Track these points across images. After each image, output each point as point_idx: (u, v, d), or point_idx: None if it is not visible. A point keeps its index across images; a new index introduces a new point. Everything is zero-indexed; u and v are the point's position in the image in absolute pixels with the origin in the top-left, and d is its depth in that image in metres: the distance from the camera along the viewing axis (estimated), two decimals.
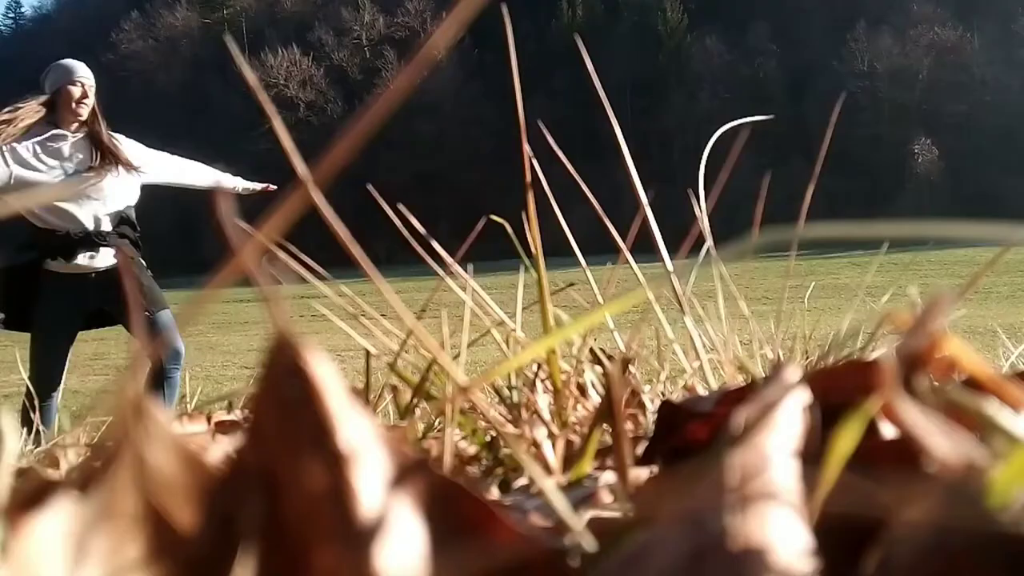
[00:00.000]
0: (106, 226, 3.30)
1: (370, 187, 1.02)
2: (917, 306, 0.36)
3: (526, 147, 0.67)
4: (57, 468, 0.65)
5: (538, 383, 0.63)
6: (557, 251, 0.96)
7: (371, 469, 0.26)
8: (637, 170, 0.81)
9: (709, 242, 0.93)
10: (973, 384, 0.34)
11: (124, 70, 59.76)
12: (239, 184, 3.87)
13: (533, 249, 0.68)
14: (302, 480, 0.26)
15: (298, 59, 58.24)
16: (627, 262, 0.84)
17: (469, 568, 0.26)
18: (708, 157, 0.97)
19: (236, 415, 0.76)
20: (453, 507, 0.27)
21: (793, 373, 0.34)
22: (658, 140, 53.33)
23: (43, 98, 3.28)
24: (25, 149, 3.21)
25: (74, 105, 3.28)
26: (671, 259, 0.79)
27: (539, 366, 0.65)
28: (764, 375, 0.50)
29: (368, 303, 0.78)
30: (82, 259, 3.26)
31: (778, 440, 0.28)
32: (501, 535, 0.27)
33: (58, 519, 0.24)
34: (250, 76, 0.36)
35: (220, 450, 0.42)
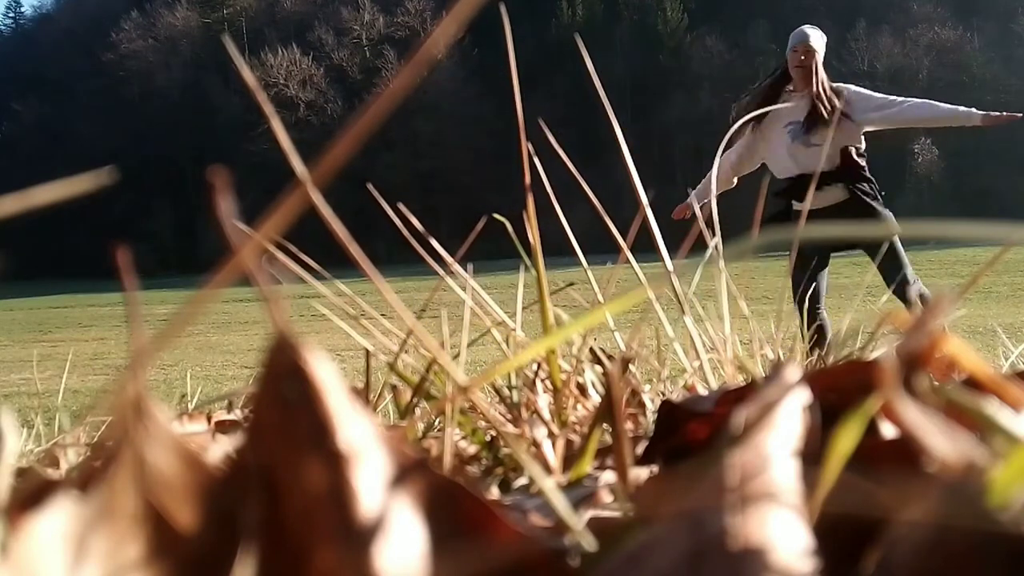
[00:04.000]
0: (831, 166, 3.84)
1: (370, 187, 1.02)
2: (917, 306, 0.36)
3: (526, 146, 0.67)
4: (57, 468, 0.65)
5: (538, 383, 0.63)
6: (557, 251, 0.95)
7: (371, 469, 0.26)
8: (637, 170, 0.81)
9: (716, 240, 0.93)
10: (973, 384, 0.34)
11: (124, 70, 59.74)
12: (973, 113, 3.88)
13: (533, 248, 0.68)
14: (302, 480, 0.26)
15: (298, 59, 58.20)
16: (627, 262, 0.84)
17: (469, 568, 0.26)
18: (709, 157, 0.97)
19: (236, 415, 0.76)
20: (453, 507, 0.27)
21: (793, 373, 0.34)
22: (658, 140, 53.30)
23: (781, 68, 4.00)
24: (767, 118, 3.95)
25: (793, 67, 3.91)
26: (671, 259, 0.79)
27: (539, 366, 0.65)
28: (764, 375, 0.50)
29: (368, 303, 0.78)
30: (817, 197, 3.83)
31: (778, 440, 0.28)
32: (501, 535, 0.27)
33: (58, 519, 0.24)
34: (249, 76, 0.36)
35: (220, 450, 0.42)
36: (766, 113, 3.90)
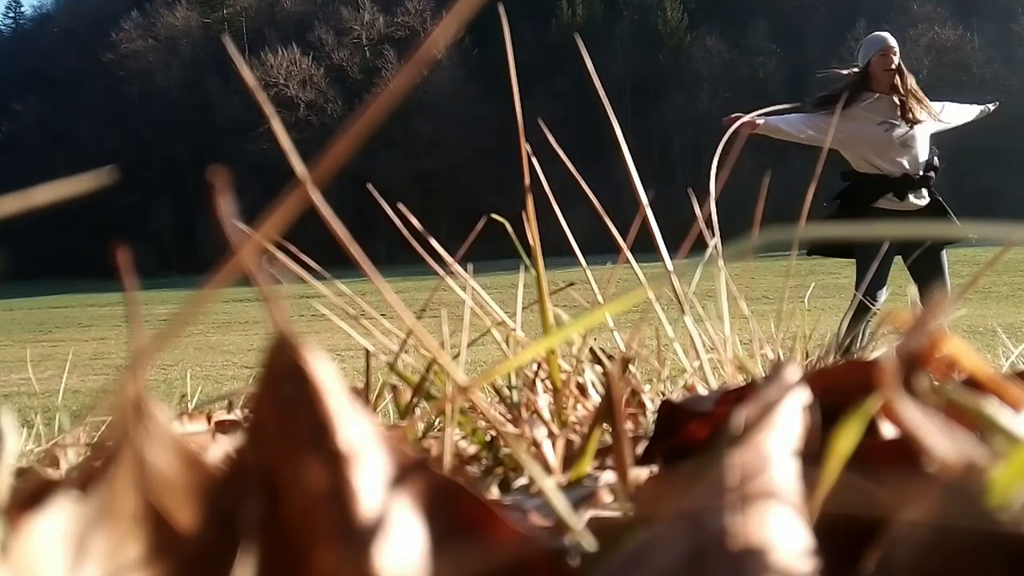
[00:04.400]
0: (922, 169, 3.94)
1: (370, 187, 1.02)
2: (917, 306, 0.36)
3: (525, 146, 0.67)
4: (57, 468, 0.65)
5: (538, 383, 0.63)
6: (557, 251, 0.95)
7: (371, 469, 0.26)
8: (637, 170, 0.81)
9: (716, 239, 0.93)
10: (973, 384, 0.34)
11: (124, 70, 59.72)
12: (984, 108, 4.34)
13: (533, 248, 0.68)
14: (302, 480, 0.26)
15: (298, 59, 58.16)
16: (627, 262, 0.84)
17: (469, 568, 0.26)
18: (709, 156, 0.97)
19: (236, 415, 0.76)
20: (453, 507, 0.27)
21: (793, 373, 0.34)
22: (658, 140, 53.30)
23: (857, 69, 4.06)
24: (851, 112, 3.96)
25: (884, 70, 3.96)
26: (671, 259, 0.79)
27: (539, 366, 0.65)
28: (764, 375, 0.50)
29: (368, 303, 0.78)
30: (911, 198, 3.89)
31: (778, 440, 0.28)
32: (501, 535, 0.27)
33: (58, 519, 0.24)
34: (249, 76, 0.36)
35: (220, 450, 0.42)
36: (847, 104, 3.95)
